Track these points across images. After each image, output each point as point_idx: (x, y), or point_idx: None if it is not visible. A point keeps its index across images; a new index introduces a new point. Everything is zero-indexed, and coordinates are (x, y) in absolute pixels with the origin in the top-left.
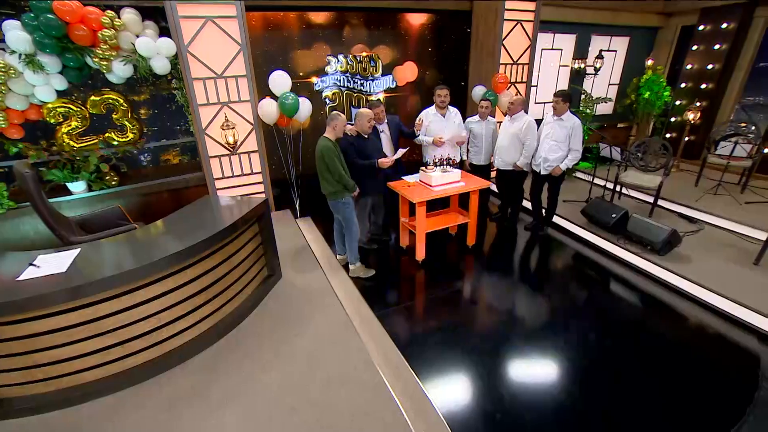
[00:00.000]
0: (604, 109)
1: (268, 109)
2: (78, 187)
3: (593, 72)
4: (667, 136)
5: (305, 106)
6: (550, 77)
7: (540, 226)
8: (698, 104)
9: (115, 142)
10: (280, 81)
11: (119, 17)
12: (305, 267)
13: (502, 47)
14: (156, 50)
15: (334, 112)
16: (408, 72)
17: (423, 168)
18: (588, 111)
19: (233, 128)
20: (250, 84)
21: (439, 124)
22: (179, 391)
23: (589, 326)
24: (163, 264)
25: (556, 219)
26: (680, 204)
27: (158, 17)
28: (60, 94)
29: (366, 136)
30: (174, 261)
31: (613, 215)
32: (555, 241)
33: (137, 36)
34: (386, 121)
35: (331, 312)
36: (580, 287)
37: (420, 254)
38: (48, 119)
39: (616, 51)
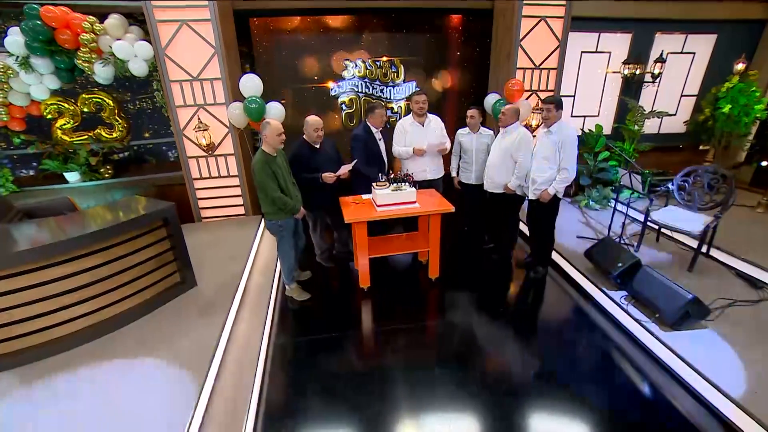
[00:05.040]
0: (672, 126)
1: (234, 113)
2: (73, 177)
3: (651, 80)
4: (764, 163)
5: (274, 111)
6: (594, 85)
7: (534, 265)
8: None
9: (104, 138)
10: (249, 85)
11: (102, 22)
12: (231, 278)
13: (520, 49)
14: (133, 53)
15: (264, 120)
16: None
17: (374, 184)
18: (636, 128)
19: (206, 130)
20: (225, 87)
21: (417, 134)
22: None
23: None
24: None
25: (558, 259)
26: (745, 260)
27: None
28: (57, 92)
29: (317, 147)
30: (26, 258)
31: (620, 264)
32: (550, 287)
33: (117, 40)
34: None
35: (207, 333)
36: (561, 360)
37: (364, 281)
38: (45, 115)
39: (693, 53)
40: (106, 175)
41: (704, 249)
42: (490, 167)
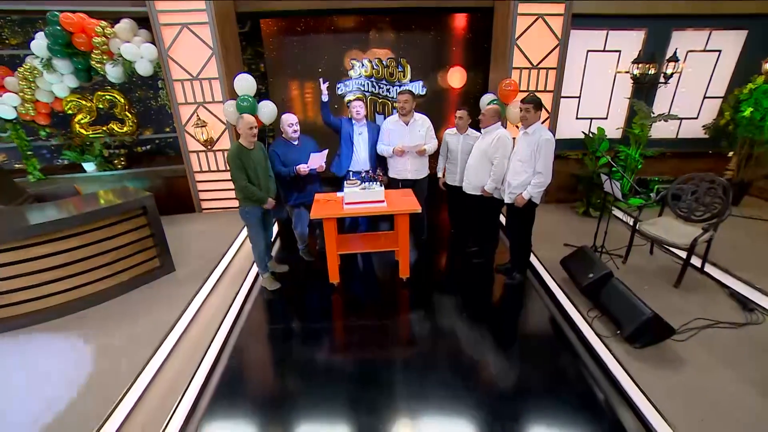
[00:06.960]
0: (694, 131)
1: (228, 110)
2: (90, 167)
3: (663, 81)
4: None
5: (266, 109)
6: (603, 86)
7: (512, 271)
8: None
9: (116, 133)
10: (242, 83)
11: (112, 27)
12: (208, 265)
13: (516, 47)
14: (139, 55)
15: (239, 115)
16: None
17: (346, 182)
18: (642, 132)
19: (204, 126)
20: (222, 86)
21: (399, 134)
22: None
23: None
24: None
25: (537, 266)
26: (741, 279)
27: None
28: (76, 90)
29: (294, 143)
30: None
31: (591, 275)
32: (524, 295)
33: (126, 42)
34: (365, 122)
35: (168, 314)
36: (518, 371)
37: (333, 276)
38: (66, 111)
39: (719, 51)
40: (119, 166)
41: (699, 265)
42: (468, 168)
